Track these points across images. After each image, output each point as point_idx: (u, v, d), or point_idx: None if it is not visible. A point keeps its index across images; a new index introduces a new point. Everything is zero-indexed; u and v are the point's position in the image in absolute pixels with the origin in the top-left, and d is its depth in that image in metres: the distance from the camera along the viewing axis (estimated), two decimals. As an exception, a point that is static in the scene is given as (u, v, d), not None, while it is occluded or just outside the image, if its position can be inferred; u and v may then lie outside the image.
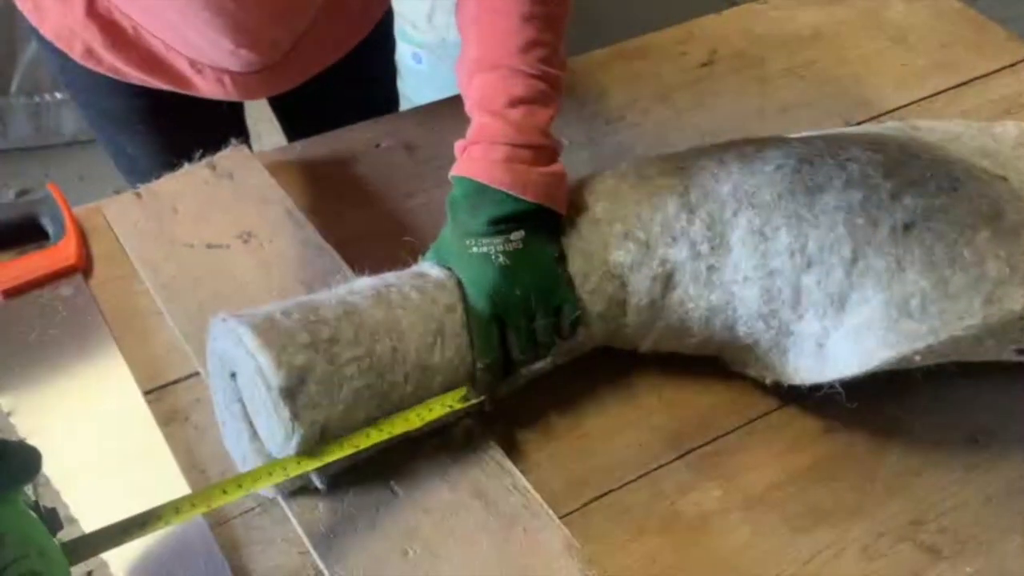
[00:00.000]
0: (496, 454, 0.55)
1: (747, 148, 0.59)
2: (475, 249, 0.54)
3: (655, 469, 0.57)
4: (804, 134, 0.64)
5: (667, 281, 0.56)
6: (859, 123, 0.82)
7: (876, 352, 0.51)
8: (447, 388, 0.54)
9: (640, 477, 0.56)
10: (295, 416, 0.48)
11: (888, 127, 0.70)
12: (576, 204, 0.58)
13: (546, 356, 0.56)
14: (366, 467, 0.54)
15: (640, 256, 0.56)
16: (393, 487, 0.53)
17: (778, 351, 0.56)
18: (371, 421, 0.52)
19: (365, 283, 0.56)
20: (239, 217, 0.67)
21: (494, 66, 0.56)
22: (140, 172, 0.77)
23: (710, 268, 0.56)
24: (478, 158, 0.56)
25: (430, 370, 0.52)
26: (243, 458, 0.53)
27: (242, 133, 0.84)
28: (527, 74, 0.56)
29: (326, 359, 0.49)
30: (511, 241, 0.54)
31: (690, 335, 0.58)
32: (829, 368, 0.54)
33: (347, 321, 0.51)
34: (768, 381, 0.58)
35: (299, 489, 0.53)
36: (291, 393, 0.48)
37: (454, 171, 0.57)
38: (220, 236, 0.66)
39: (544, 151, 0.56)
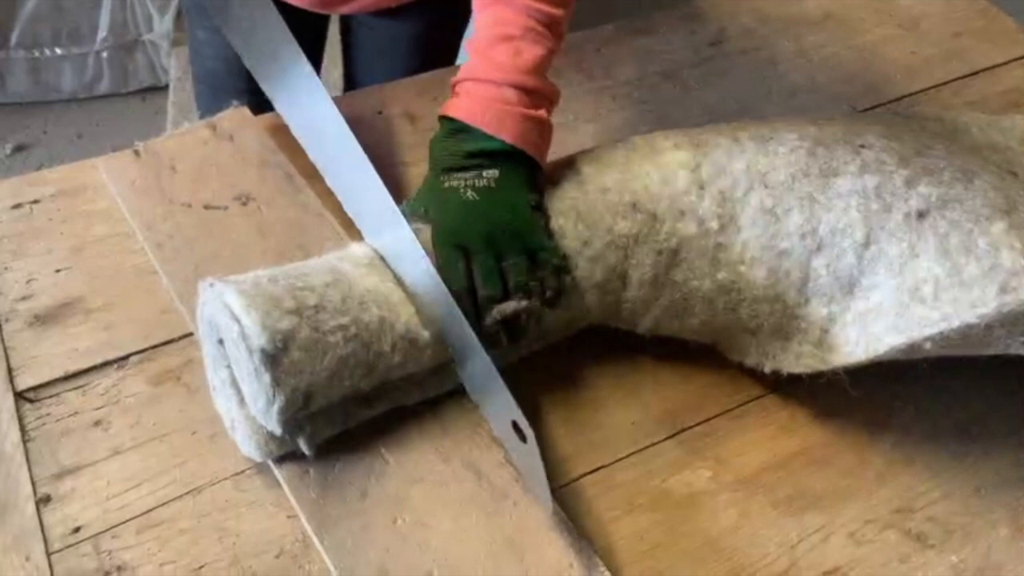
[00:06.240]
0: (489, 427, 0.55)
1: (762, 128, 0.59)
2: (446, 184, 0.55)
3: (647, 447, 0.57)
4: (816, 118, 0.63)
5: (672, 256, 0.56)
6: (866, 109, 0.81)
7: (885, 338, 0.51)
8: (437, 361, 0.54)
9: (632, 455, 0.56)
10: (276, 382, 0.48)
11: (899, 116, 0.69)
12: (585, 172, 0.58)
13: (522, 299, 0.53)
14: (358, 435, 0.54)
15: (647, 228, 0.55)
16: (385, 456, 0.53)
17: (780, 336, 0.56)
18: (356, 390, 0.51)
19: (357, 250, 0.55)
20: (238, 179, 0.67)
21: (488, 4, 0.57)
22: (204, 58, 0.88)
23: (717, 246, 0.55)
24: (461, 96, 0.56)
25: (419, 342, 0.52)
26: (232, 423, 0.53)
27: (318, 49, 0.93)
28: (517, 11, 0.56)
29: (311, 326, 0.49)
30: (483, 178, 0.54)
31: (691, 315, 0.57)
32: (833, 355, 0.54)
33: (335, 288, 0.51)
34: (767, 369, 0.58)
35: (289, 454, 0.52)
36: (273, 358, 0.48)
37: (440, 110, 0.57)
38: (218, 198, 0.66)
39: (531, 94, 0.56)
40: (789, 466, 0.57)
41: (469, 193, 0.54)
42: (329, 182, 0.63)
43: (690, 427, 0.58)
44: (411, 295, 0.53)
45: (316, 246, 0.62)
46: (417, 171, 0.71)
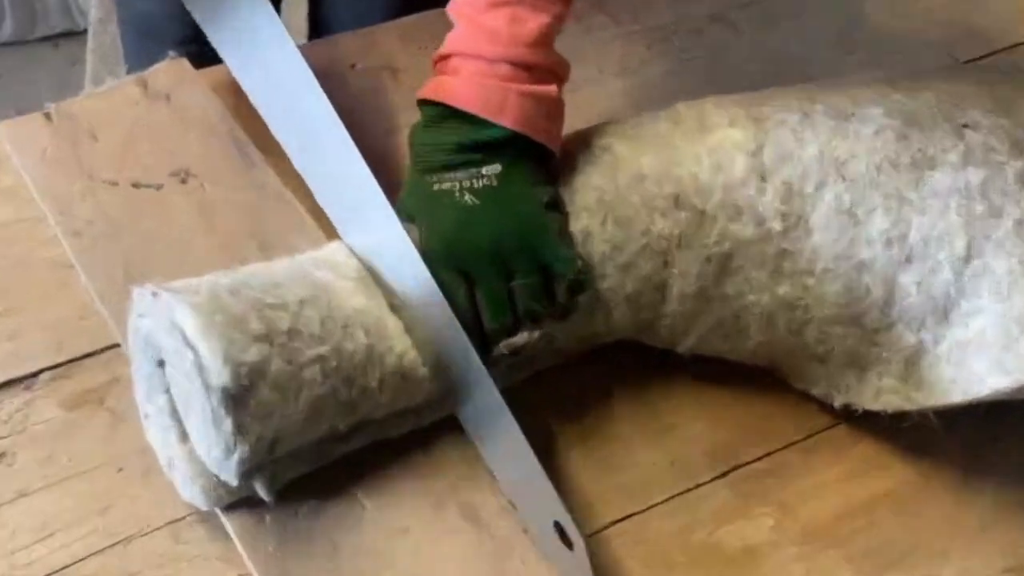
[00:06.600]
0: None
1: (840, 98, 0.58)
2: (437, 186, 0.55)
3: (691, 490, 0.57)
4: (906, 79, 0.63)
5: (724, 264, 0.56)
6: (969, 61, 0.81)
7: (987, 379, 0.51)
8: (434, 401, 0.54)
9: (671, 499, 0.57)
10: (239, 428, 0.48)
11: (1010, 74, 0.68)
12: (616, 152, 0.58)
13: (534, 328, 0.55)
14: (328, 473, 0.54)
15: (693, 229, 0.55)
16: (361, 500, 0.54)
17: (856, 368, 0.57)
18: (333, 431, 0.51)
19: (339, 256, 0.55)
20: (176, 150, 0.67)
21: None
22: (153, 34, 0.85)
23: (781, 253, 0.55)
24: (447, 74, 0.56)
25: (414, 378, 0.52)
26: (169, 461, 0.53)
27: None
28: None
29: (283, 357, 0.49)
30: (482, 176, 0.54)
31: (745, 337, 0.58)
32: (923, 394, 0.54)
33: (312, 307, 0.51)
34: (837, 404, 0.58)
35: (241, 500, 0.52)
36: (238, 399, 0.47)
37: (419, 93, 0.57)
38: (151, 173, 0.66)
39: (534, 70, 0.56)
40: (869, 514, 0.57)
41: (467, 197, 0.54)
42: (295, 162, 0.62)
43: (744, 464, 0.59)
44: (407, 319, 0.53)
45: (277, 238, 0.62)
46: (404, 139, 0.69)
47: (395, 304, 0.54)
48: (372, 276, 0.54)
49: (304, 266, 0.54)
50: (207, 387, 0.47)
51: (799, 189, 0.55)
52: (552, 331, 0.55)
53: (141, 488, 0.54)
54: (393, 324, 0.52)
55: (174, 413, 0.52)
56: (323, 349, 0.50)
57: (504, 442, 0.54)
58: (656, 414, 0.60)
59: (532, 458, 0.52)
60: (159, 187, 0.65)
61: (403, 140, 0.68)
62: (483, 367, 0.53)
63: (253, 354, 0.48)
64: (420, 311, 0.53)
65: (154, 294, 0.50)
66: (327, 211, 0.61)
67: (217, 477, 0.51)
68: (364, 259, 0.55)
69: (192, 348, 0.47)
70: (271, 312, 0.50)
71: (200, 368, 0.47)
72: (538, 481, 0.52)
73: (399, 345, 0.52)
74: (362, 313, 0.52)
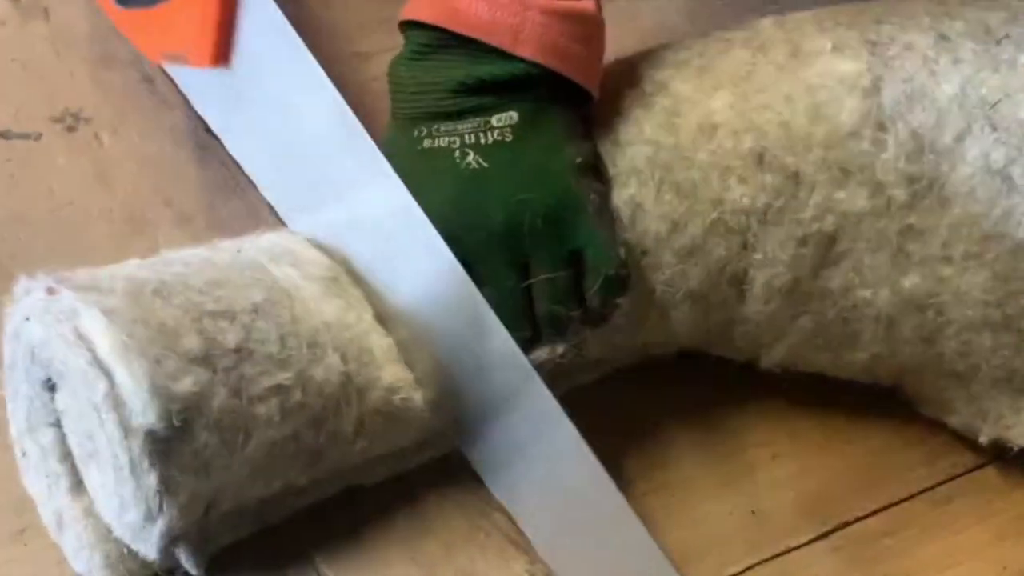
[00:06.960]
0: (503, 522, 0.55)
1: (990, 13, 0.58)
2: (428, 143, 0.55)
3: (780, 555, 0.57)
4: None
5: (826, 247, 0.56)
6: None
7: None
8: (426, 450, 0.54)
9: (753, 567, 0.56)
10: (167, 485, 0.47)
11: None
12: (676, 92, 0.57)
13: (559, 340, 0.55)
14: (277, 536, 0.53)
15: (783, 199, 0.55)
16: (322, 570, 0.54)
17: (1011, 390, 0.57)
18: (289, 486, 0.51)
19: (299, 245, 0.55)
20: (60, 86, 0.67)
21: None
22: None
23: (907, 232, 0.55)
24: None
25: (401, 419, 0.52)
26: (57, 516, 0.52)
27: None
28: None
29: (229, 387, 0.48)
30: (492, 128, 0.55)
31: (854, 347, 0.58)
32: None
33: (267, 316, 0.50)
34: (983, 439, 0.58)
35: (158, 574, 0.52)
36: (167, 445, 0.47)
37: (403, 13, 0.57)
38: (25, 118, 0.66)
39: None
40: (1026, 588, 0.59)
41: (471, 158, 0.54)
42: (202, 110, 0.61)
43: (854, 521, 0.58)
44: (404, 336, 0.53)
45: (203, 208, 0.62)
46: (381, 68, 0.67)
47: (384, 315, 0.53)
48: (349, 277, 0.54)
49: (255, 256, 0.53)
50: (124, 430, 0.46)
51: (932, 142, 0.55)
52: (585, 342, 0.55)
53: (17, 554, 0.53)
54: (380, 345, 0.52)
55: (66, 456, 0.52)
56: (283, 377, 0.49)
57: (554, 480, 0.54)
58: (732, 449, 0.60)
59: (616, 497, 0.52)
60: (37, 137, 0.65)
61: (379, 75, 0.66)
62: (535, 374, 0.53)
63: (189, 384, 0.47)
64: (430, 322, 0.53)
65: (50, 290, 0.49)
66: (257, 179, 0.59)
67: (127, 546, 0.50)
68: (332, 249, 0.55)
69: (106, 374, 0.46)
70: (212, 323, 0.49)
71: (115, 402, 0.46)
72: (622, 536, 0.53)
73: (389, 375, 0.52)
74: (337, 327, 0.51)
